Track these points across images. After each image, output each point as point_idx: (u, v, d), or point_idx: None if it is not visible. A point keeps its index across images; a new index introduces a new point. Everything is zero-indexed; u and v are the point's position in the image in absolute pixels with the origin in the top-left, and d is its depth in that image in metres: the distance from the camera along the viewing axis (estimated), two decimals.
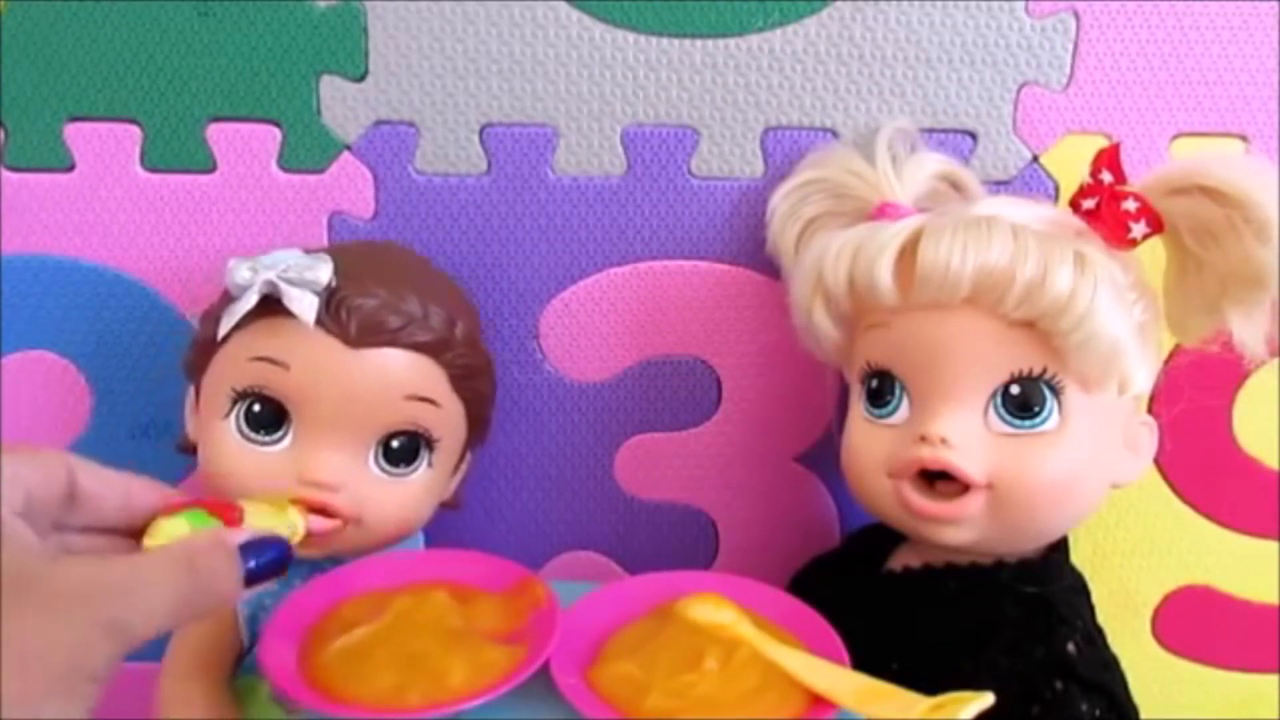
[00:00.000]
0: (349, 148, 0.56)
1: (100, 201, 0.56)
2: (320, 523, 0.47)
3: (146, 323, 0.57)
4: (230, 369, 0.49)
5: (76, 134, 0.55)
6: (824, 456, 0.62)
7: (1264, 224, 0.45)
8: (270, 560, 0.37)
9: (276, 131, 0.56)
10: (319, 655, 0.42)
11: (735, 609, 0.44)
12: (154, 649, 0.50)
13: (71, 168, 0.56)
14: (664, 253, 0.59)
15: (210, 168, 0.56)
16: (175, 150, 0.56)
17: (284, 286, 0.46)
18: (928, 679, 0.40)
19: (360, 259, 0.50)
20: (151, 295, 0.57)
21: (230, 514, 0.40)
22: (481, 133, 0.56)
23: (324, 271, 0.47)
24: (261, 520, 0.41)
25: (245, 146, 0.56)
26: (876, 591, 0.53)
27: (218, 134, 0.56)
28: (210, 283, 0.54)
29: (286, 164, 0.56)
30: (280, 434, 0.49)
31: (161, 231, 0.57)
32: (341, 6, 0.54)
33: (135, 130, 0.55)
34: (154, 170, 0.56)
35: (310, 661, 0.41)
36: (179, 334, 0.56)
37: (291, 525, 0.44)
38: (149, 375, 0.58)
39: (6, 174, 0.55)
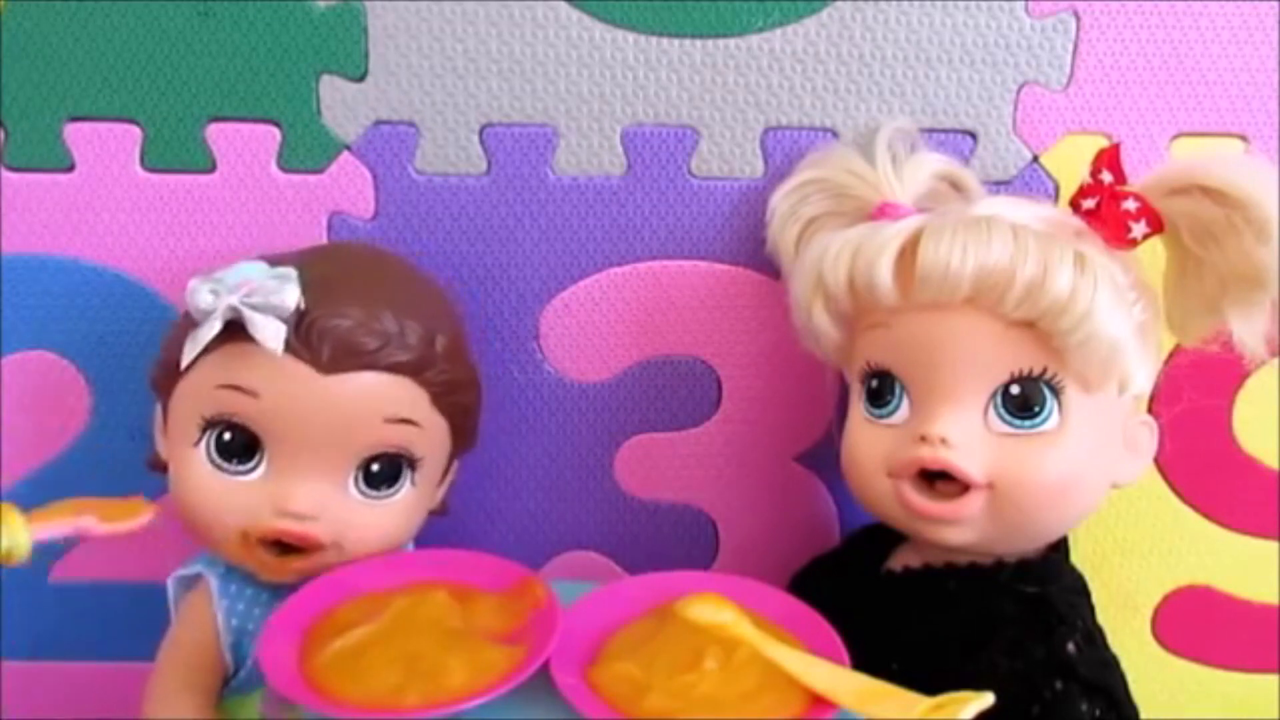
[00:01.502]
0: (349, 148, 0.56)
1: (100, 201, 0.56)
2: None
3: (146, 323, 0.57)
4: (197, 396, 0.47)
5: (76, 134, 0.55)
6: (824, 456, 0.62)
7: (1264, 224, 0.45)
8: None
9: (276, 131, 0.56)
10: (318, 656, 0.42)
11: (735, 609, 0.44)
12: (145, 647, 0.50)
13: (71, 168, 0.56)
14: (664, 253, 0.59)
15: (210, 168, 0.56)
16: (175, 150, 0.56)
17: (248, 314, 0.44)
18: (927, 679, 0.40)
19: (331, 272, 0.48)
20: (151, 295, 0.57)
21: None
22: (481, 133, 0.56)
23: (290, 295, 0.44)
24: None
25: (245, 146, 0.56)
26: (876, 591, 0.53)
27: (218, 134, 0.56)
28: None
29: (286, 164, 0.56)
30: (253, 462, 0.47)
31: (161, 231, 0.57)
32: (341, 6, 0.54)
33: (135, 130, 0.55)
34: (154, 170, 0.56)
35: (310, 662, 0.41)
36: None
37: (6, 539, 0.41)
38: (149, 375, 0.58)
39: (6, 174, 0.55)
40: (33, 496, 0.59)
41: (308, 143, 0.56)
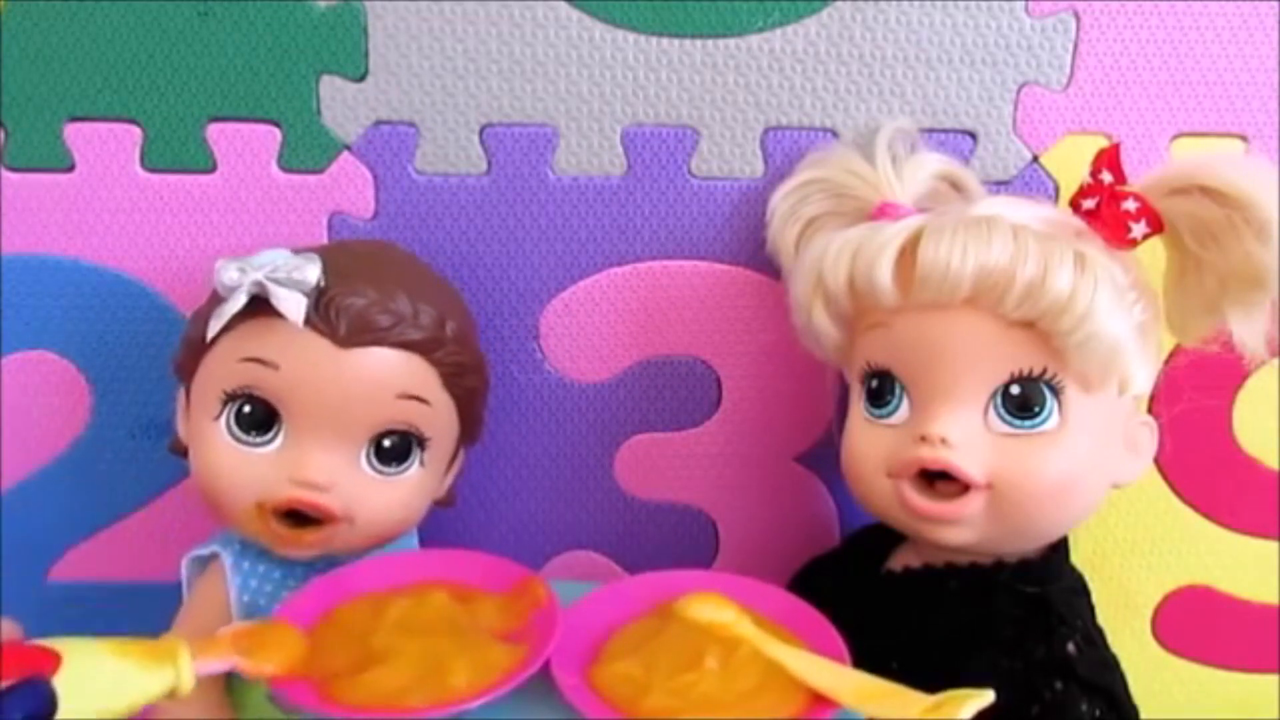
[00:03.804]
0: (349, 148, 0.56)
1: (100, 201, 0.56)
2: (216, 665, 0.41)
3: (146, 323, 0.57)
4: (220, 370, 0.48)
5: (76, 134, 0.55)
6: (824, 456, 0.62)
7: (1264, 224, 0.45)
8: (29, 712, 0.34)
9: (276, 131, 0.56)
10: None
11: (736, 608, 0.44)
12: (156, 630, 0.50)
13: (71, 168, 0.56)
14: (664, 253, 0.59)
15: (210, 168, 0.56)
16: (175, 150, 0.56)
17: (272, 287, 0.46)
18: (927, 679, 0.39)
19: (350, 258, 0.50)
20: (151, 295, 0.57)
21: (43, 662, 0.36)
22: (481, 133, 0.56)
23: (312, 271, 0.46)
24: (91, 668, 0.38)
25: (245, 146, 0.56)
26: (876, 591, 0.53)
27: (218, 134, 0.56)
28: (210, 283, 0.54)
29: (286, 164, 0.56)
30: (271, 435, 0.48)
31: (161, 231, 0.57)
32: (341, 6, 0.54)
33: (135, 130, 0.55)
34: (154, 170, 0.56)
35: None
36: (179, 334, 0.55)
37: (173, 675, 0.39)
38: (149, 375, 0.58)
39: (6, 174, 0.55)
40: (33, 496, 0.59)
41: (308, 143, 0.56)
